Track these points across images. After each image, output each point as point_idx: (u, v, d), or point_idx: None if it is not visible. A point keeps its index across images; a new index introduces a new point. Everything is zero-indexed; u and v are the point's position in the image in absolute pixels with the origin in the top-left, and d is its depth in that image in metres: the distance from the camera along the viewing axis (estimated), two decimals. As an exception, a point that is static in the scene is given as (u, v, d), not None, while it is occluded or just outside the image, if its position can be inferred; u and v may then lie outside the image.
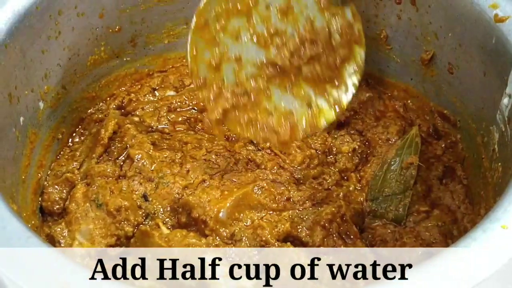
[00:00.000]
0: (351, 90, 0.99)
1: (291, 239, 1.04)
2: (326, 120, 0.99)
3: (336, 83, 0.99)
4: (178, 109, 1.29)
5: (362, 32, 0.99)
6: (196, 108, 1.29)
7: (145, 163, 1.12)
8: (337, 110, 0.99)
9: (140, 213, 1.08)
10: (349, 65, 0.99)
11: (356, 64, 0.99)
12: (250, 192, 1.07)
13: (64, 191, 1.13)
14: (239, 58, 0.98)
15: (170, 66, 1.35)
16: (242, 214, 1.05)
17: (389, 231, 1.08)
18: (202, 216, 1.04)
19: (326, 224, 1.06)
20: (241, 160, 1.16)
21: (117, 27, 1.23)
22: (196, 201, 1.05)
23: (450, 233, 1.06)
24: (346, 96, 0.99)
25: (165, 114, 1.27)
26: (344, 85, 0.99)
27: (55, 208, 1.11)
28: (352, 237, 1.06)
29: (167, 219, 1.08)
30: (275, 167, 1.15)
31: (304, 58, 0.97)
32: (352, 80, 0.99)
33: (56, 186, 1.13)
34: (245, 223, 1.04)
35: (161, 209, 1.09)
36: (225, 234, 1.03)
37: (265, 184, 1.09)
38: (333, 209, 1.07)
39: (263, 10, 0.97)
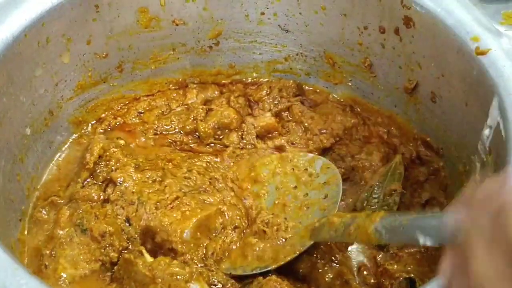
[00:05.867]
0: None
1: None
2: None
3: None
4: (164, 132, 1.30)
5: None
6: (182, 132, 1.29)
7: (127, 185, 1.13)
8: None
9: (125, 237, 1.08)
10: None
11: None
12: (213, 214, 1.09)
13: (50, 214, 1.13)
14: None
15: (157, 91, 1.36)
16: (206, 235, 1.08)
17: (372, 256, 1.10)
18: (167, 243, 1.05)
19: (311, 250, 1.07)
20: (218, 179, 1.18)
21: (104, 53, 1.24)
22: (157, 225, 1.06)
23: (433, 259, 1.07)
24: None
25: (151, 137, 1.28)
26: None
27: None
28: (336, 262, 1.07)
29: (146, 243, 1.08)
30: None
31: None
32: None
33: (41, 209, 1.13)
34: (217, 247, 1.07)
35: (140, 233, 1.09)
36: (200, 255, 1.05)
37: (226, 208, 1.11)
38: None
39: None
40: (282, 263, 1.04)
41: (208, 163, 1.20)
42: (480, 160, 1.00)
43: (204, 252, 1.06)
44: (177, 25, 1.27)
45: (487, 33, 1.01)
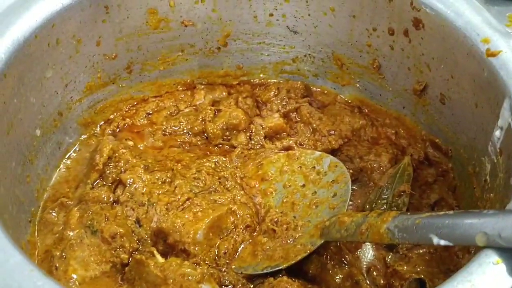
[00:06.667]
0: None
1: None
2: None
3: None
4: (172, 134, 1.30)
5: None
6: (190, 133, 1.29)
7: (137, 186, 1.13)
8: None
9: (135, 239, 1.08)
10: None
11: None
12: (224, 214, 1.09)
13: (59, 216, 1.13)
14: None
15: (165, 92, 1.37)
16: (218, 235, 1.08)
17: (381, 256, 1.10)
18: (179, 244, 1.05)
19: (321, 251, 1.07)
20: (228, 178, 1.18)
21: (114, 54, 1.24)
22: (170, 226, 1.06)
23: (442, 260, 1.08)
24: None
25: (160, 138, 1.28)
26: None
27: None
28: (346, 263, 1.07)
29: (158, 245, 1.08)
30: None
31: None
32: None
33: (51, 210, 1.14)
34: (229, 246, 1.07)
35: (151, 234, 1.09)
36: (212, 255, 1.06)
37: (236, 207, 1.11)
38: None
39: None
40: (293, 262, 1.04)
41: (216, 163, 1.20)
42: (491, 162, 1.00)
43: (216, 252, 1.06)
44: (186, 26, 1.28)
45: (498, 35, 1.01)
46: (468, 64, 1.05)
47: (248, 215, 1.11)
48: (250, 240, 1.10)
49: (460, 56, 1.06)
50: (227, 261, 1.06)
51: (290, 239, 1.08)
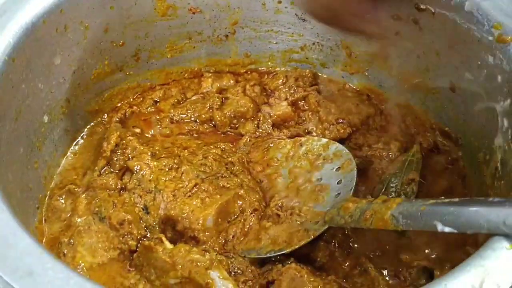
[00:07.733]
0: None
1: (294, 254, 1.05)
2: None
3: None
4: (180, 122, 1.29)
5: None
6: (198, 121, 1.29)
7: (144, 173, 1.13)
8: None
9: (143, 226, 1.08)
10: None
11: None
12: (232, 199, 1.09)
13: (67, 202, 1.13)
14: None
15: (172, 80, 1.36)
16: (226, 220, 1.08)
17: (391, 242, 1.09)
18: (189, 231, 1.05)
19: (328, 239, 1.07)
20: (235, 163, 1.18)
21: (121, 42, 1.23)
22: (178, 213, 1.06)
23: (450, 247, 1.07)
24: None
25: (167, 126, 1.28)
26: None
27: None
28: (354, 250, 1.07)
29: (166, 232, 1.08)
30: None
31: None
32: None
33: (58, 197, 1.14)
34: (237, 230, 1.08)
35: (159, 222, 1.09)
36: (221, 242, 1.06)
37: (243, 192, 1.11)
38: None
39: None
40: (296, 247, 1.04)
41: (223, 150, 1.20)
42: (502, 149, 0.99)
43: (225, 236, 1.06)
44: (193, 13, 1.27)
45: (509, 20, 1.00)
46: (478, 50, 1.04)
47: (255, 200, 1.11)
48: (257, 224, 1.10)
49: (470, 43, 1.05)
50: (235, 245, 1.06)
51: (294, 224, 1.07)
